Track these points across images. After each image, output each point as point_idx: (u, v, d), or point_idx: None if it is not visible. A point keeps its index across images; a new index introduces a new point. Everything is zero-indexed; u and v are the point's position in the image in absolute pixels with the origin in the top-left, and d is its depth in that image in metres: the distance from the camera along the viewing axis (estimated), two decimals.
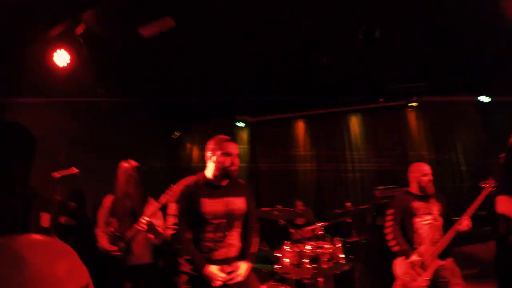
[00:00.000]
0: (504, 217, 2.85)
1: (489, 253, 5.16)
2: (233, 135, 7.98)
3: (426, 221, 4.17)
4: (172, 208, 3.09)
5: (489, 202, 3.27)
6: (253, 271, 3.12)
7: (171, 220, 3.05)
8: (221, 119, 7.95)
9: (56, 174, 3.69)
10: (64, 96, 5.25)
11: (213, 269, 2.91)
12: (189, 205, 3.06)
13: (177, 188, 3.17)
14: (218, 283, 2.87)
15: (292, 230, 4.71)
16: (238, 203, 3.15)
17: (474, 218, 4.14)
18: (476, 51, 5.98)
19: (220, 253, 3.03)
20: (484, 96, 7.01)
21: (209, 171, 3.20)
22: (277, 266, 4.27)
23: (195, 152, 8.17)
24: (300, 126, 7.78)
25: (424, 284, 3.91)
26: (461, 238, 4.60)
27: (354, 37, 5.37)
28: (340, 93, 7.16)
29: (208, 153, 3.20)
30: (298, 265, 4.16)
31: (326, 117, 7.66)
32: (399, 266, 4.10)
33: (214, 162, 3.15)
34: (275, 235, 5.06)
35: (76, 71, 5.05)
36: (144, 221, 3.91)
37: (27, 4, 4.08)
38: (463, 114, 7.28)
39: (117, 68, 5.84)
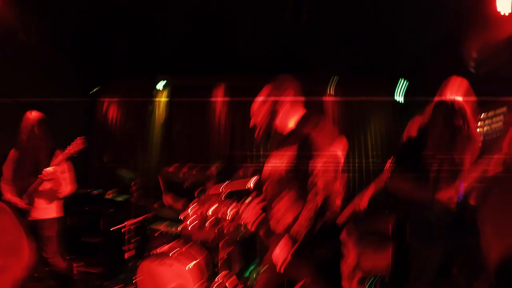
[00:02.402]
0: (402, 202, 3.08)
1: (387, 232, 5.62)
2: (152, 94, 7.96)
3: None
4: None
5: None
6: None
7: None
8: (142, 77, 7.85)
9: None
10: None
11: None
12: None
13: None
14: None
15: (196, 192, 4.85)
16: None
17: (375, 200, 4.54)
18: (397, 51, 6.32)
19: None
20: (399, 96, 7.48)
21: None
22: (180, 227, 4.42)
23: (113, 108, 8.04)
24: (220, 93, 7.86)
25: None
26: (362, 217, 5.00)
27: (283, 16, 5.51)
28: (262, 68, 7.31)
29: None
30: (202, 226, 4.30)
31: (245, 89, 7.78)
32: None
33: None
34: (182, 196, 5.18)
35: None
36: (47, 171, 3.92)
37: None
38: (377, 105, 7.70)
39: (39, 12, 5.57)
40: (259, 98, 2.68)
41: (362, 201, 4.36)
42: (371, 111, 7.70)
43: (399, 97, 7.42)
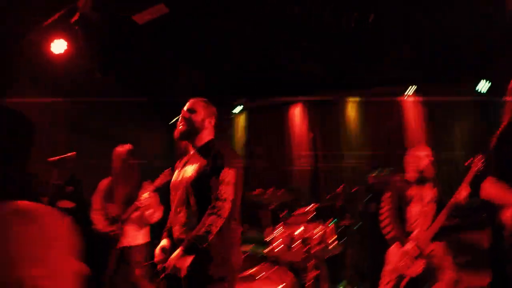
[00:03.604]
0: (500, 207, 2.83)
1: (485, 241, 5.21)
2: (230, 119, 8.10)
3: (419, 208, 4.24)
4: None
5: None
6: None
7: None
8: (219, 103, 7.96)
9: (53, 158, 3.77)
10: (61, 83, 5.36)
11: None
12: None
13: None
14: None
15: (283, 213, 4.78)
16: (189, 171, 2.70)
17: (471, 207, 4.18)
18: (475, 37, 5.94)
19: (174, 231, 2.70)
20: (483, 82, 7.00)
21: None
22: (269, 249, 4.35)
23: None
24: (297, 111, 7.83)
25: (419, 271, 3.99)
26: (456, 225, 4.66)
27: (349, 23, 5.39)
28: (337, 79, 7.18)
29: None
30: (289, 247, 4.21)
31: (323, 102, 7.68)
32: (394, 254, 4.15)
33: None
34: (268, 218, 5.14)
35: (73, 58, 5.15)
36: (144, 198, 4.06)
37: None
38: (460, 101, 7.28)
39: (113, 54, 5.90)
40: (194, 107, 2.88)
41: (462, 196, 4.00)
42: (454, 111, 7.35)
43: (484, 85, 6.97)
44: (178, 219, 2.66)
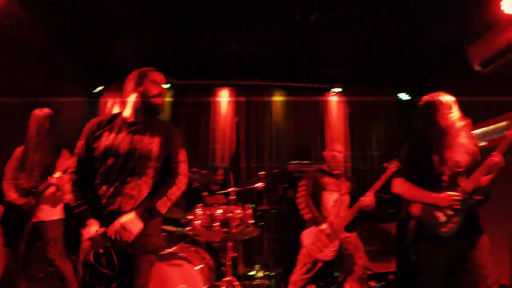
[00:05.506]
0: (406, 202, 3.18)
1: (391, 233, 5.70)
2: None
3: (334, 196, 4.56)
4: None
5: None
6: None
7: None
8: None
9: None
10: None
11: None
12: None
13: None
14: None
15: (205, 194, 4.83)
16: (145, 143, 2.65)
17: (379, 200, 4.55)
18: (406, 49, 6.27)
19: (114, 206, 2.54)
20: (404, 94, 7.55)
21: (128, 108, 2.81)
22: (188, 228, 4.39)
23: (116, 108, 7.94)
24: (224, 94, 7.82)
25: (330, 255, 4.27)
26: (367, 217, 5.03)
27: (291, 16, 5.45)
28: (266, 67, 7.28)
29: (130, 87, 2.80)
30: (208, 228, 4.24)
31: (250, 89, 7.77)
32: (307, 236, 4.42)
33: (137, 92, 2.77)
34: (188, 198, 5.16)
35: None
36: (56, 176, 3.88)
37: None
38: (382, 107, 7.70)
39: (41, 12, 5.50)
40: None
41: (370, 197, 4.36)
42: (375, 112, 7.79)
43: (405, 96, 7.49)
44: (121, 190, 2.53)
